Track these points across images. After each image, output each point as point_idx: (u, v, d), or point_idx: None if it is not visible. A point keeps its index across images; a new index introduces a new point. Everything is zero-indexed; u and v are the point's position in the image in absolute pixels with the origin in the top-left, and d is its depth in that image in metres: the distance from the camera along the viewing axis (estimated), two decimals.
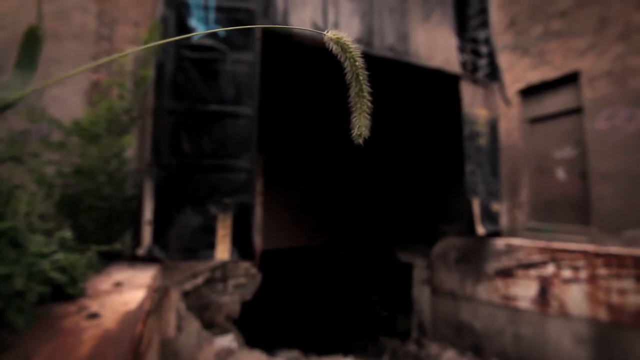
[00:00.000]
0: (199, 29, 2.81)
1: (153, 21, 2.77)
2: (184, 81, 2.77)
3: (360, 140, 0.68)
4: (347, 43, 0.66)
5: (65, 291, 1.55)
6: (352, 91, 0.67)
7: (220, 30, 2.89)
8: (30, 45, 0.64)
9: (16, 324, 1.14)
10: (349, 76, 0.67)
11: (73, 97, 2.82)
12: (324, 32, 0.67)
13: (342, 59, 0.67)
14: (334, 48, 0.67)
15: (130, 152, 2.73)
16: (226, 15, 2.89)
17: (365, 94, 0.67)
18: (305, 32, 3.36)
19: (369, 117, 0.68)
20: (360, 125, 0.67)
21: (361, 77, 0.66)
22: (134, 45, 2.97)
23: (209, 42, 2.83)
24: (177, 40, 2.78)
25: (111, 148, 2.49)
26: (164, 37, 2.70)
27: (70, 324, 1.30)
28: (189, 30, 2.79)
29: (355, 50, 0.66)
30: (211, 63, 2.83)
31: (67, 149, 2.40)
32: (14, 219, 1.56)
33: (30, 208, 1.76)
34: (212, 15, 2.87)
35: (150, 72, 2.64)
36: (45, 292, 1.41)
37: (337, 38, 0.66)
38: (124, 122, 2.63)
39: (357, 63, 0.66)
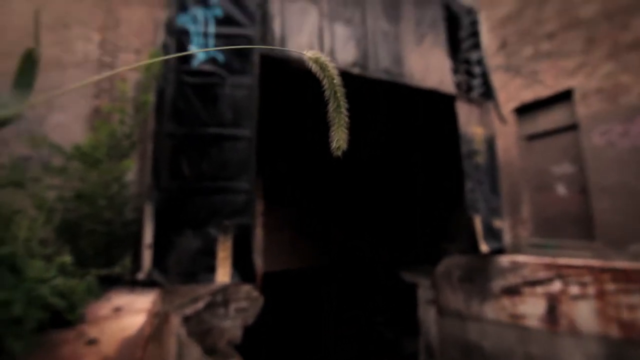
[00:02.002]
0: (198, 56, 2.88)
1: (154, 48, 2.85)
2: (184, 106, 2.81)
3: (339, 153, 0.70)
4: (326, 62, 0.69)
5: (65, 317, 1.51)
6: (331, 107, 0.69)
7: (217, 50, 2.96)
8: (28, 67, 0.67)
9: (15, 350, 1.10)
10: (327, 93, 0.69)
11: (75, 123, 2.85)
12: (304, 52, 0.69)
13: (321, 77, 0.69)
14: (314, 67, 0.69)
15: (130, 176, 2.73)
16: (225, 42, 2.97)
17: (343, 109, 0.69)
18: (302, 57, 3.45)
19: (346, 131, 0.70)
20: (339, 139, 0.70)
21: (339, 94, 0.69)
22: (136, 72, 3.03)
23: (208, 67, 2.90)
24: (177, 67, 2.85)
25: (112, 172, 2.50)
26: (165, 63, 2.77)
27: (69, 351, 1.26)
28: (189, 56, 2.86)
29: (333, 69, 0.69)
30: (211, 87, 2.89)
31: (67, 174, 2.40)
32: (13, 244, 1.54)
33: (30, 233, 1.75)
34: (211, 42, 2.95)
35: (151, 98, 2.69)
36: (44, 318, 1.38)
37: (316, 57, 0.69)
38: (125, 146, 2.65)
39: (334, 81, 0.69)
